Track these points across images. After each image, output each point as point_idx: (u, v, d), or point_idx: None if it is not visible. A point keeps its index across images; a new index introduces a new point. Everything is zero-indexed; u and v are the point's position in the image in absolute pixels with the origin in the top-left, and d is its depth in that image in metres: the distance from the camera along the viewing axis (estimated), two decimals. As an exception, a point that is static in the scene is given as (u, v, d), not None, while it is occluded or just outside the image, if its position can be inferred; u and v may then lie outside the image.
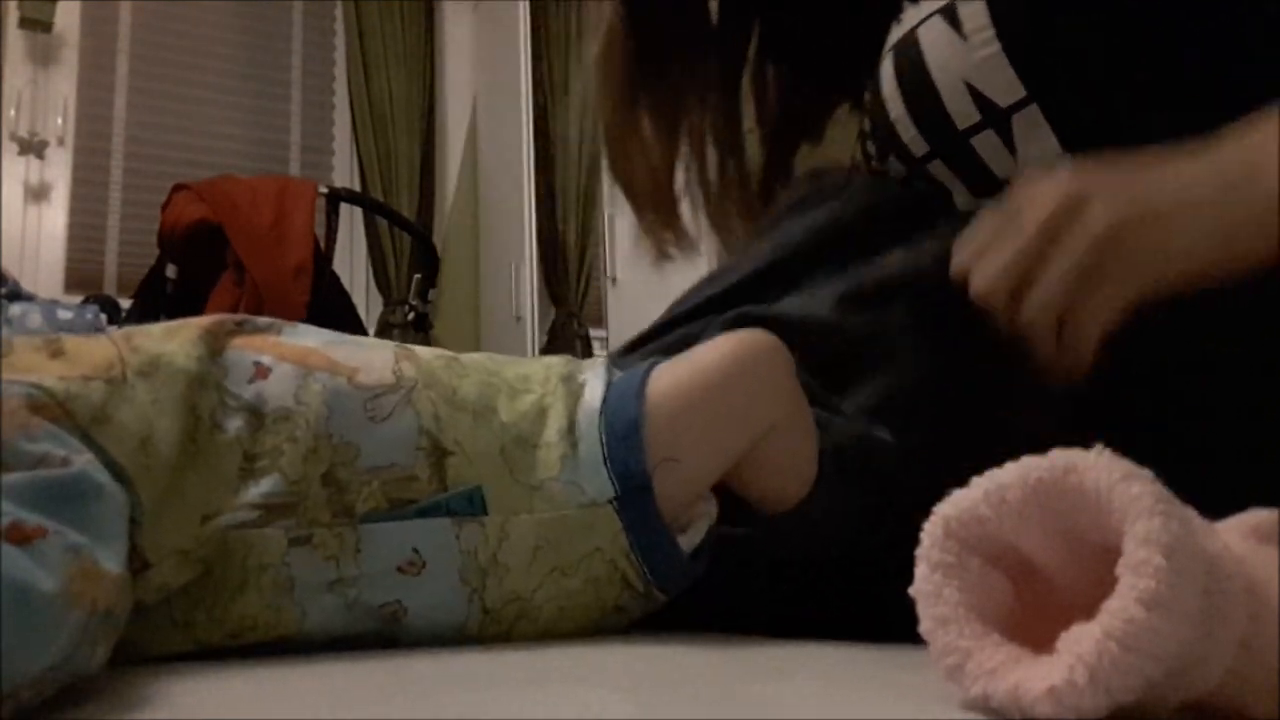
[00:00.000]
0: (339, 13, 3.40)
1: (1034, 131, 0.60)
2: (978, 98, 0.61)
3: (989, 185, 0.63)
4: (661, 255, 0.81)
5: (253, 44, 3.33)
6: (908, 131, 0.67)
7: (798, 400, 0.48)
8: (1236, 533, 0.29)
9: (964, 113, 0.62)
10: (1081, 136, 0.59)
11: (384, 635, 0.41)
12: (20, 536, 0.27)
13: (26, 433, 0.32)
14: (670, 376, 0.46)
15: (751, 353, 0.47)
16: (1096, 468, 0.26)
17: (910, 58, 0.66)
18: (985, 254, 0.51)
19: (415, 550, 0.40)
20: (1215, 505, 0.29)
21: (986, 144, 0.62)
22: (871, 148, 0.72)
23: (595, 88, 0.78)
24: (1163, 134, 0.58)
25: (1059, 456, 0.27)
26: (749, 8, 0.82)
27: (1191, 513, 0.27)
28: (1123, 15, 0.58)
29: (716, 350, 0.48)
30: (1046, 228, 0.49)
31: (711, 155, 0.81)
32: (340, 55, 3.41)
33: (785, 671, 0.39)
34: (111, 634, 0.30)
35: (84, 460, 0.33)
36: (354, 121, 3.32)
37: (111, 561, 0.30)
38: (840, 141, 0.83)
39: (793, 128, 0.86)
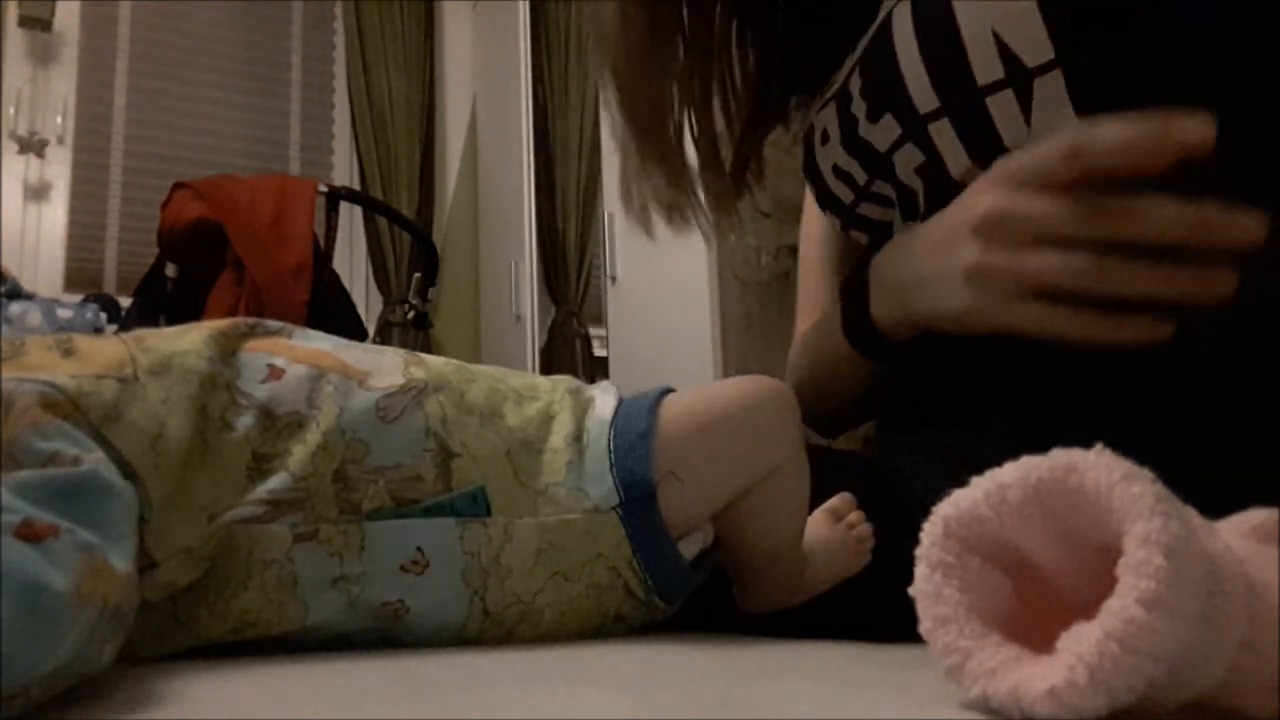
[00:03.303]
0: (339, 12, 3.41)
1: (1052, 100, 0.57)
2: (1004, 52, 0.58)
3: (991, 152, 0.60)
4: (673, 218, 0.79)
5: (253, 43, 3.33)
6: (918, 84, 0.62)
7: (800, 451, 0.48)
8: (1237, 532, 0.29)
9: (987, 67, 0.59)
10: (1097, 114, 0.55)
11: (385, 634, 0.41)
12: (32, 534, 0.27)
13: (39, 430, 0.33)
14: (684, 402, 0.47)
15: (765, 395, 0.48)
16: (1097, 467, 0.26)
17: (934, 3, 0.61)
18: None
19: (419, 549, 0.40)
20: (1215, 504, 0.29)
21: (1002, 106, 0.59)
22: (860, 108, 0.68)
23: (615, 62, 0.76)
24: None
25: (1059, 456, 0.27)
26: None
27: (1192, 512, 0.27)
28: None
29: (731, 387, 0.49)
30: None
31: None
32: (340, 54, 3.42)
33: (785, 671, 0.39)
34: (120, 632, 0.30)
35: (95, 458, 0.33)
36: (354, 120, 3.33)
37: (121, 560, 0.31)
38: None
39: (762, 109, 0.83)
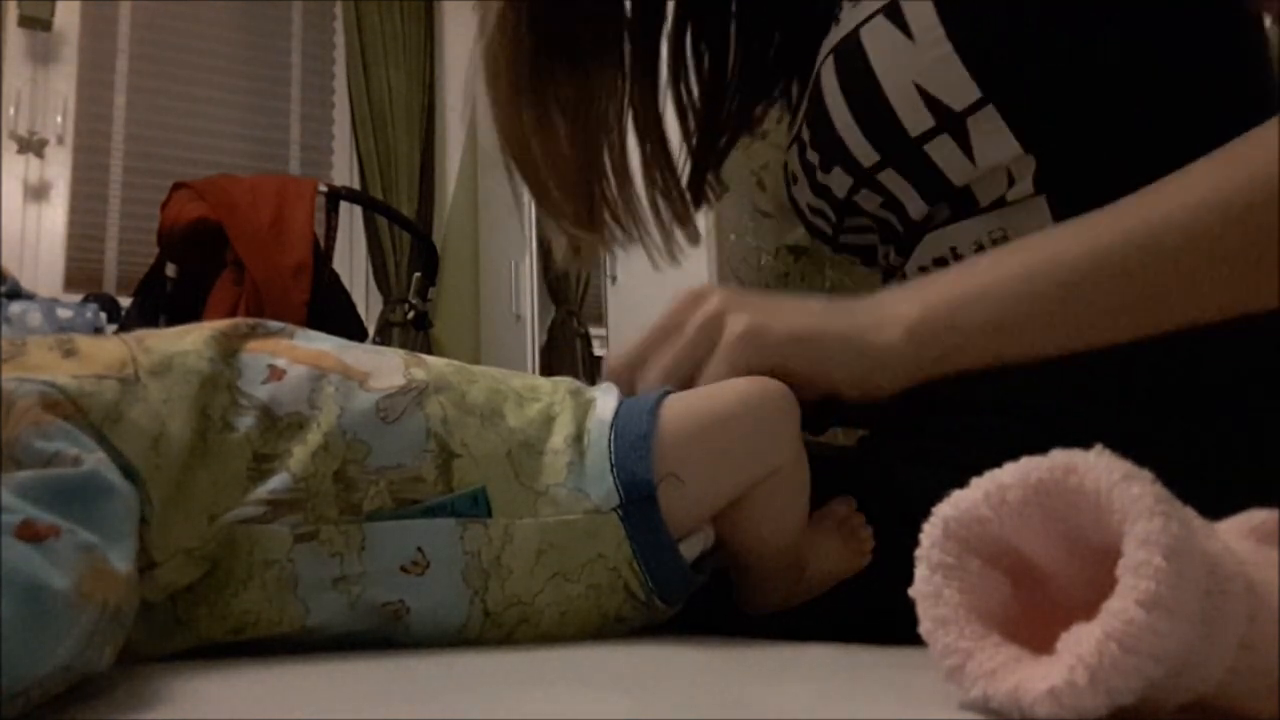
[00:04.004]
0: (339, 12, 3.41)
1: (992, 134, 0.58)
2: (930, 102, 0.59)
3: (944, 192, 0.61)
4: (582, 257, 0.78)
5: (253, 43, 3.33)
6: (855, 141, 0.63)
7: (800, 451, 0.48)
8: (1236, 533, 0.29)
9: (916, 118, 0.59)
10: (1041, 136, 0.58)
11: (386, 635, 0.41)
12: (33, 535, 0.27)
13: (40, 430, 0.33)
14: (684, 404, 0.47)
15: (765, 396, 0.48)
16: (1097, 468, 0.26)
17: (854, 62, 0.62)
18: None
19: (419, 550, 0.40)
20: (1214, 505, 0.29)
21: (942, 150, 0.60)
22: (814, 157, 0.69)
23: (492, 86, 0.73)
24: (1123, 127, 0.58)
25: (1059, 457, 0.27)
26: None
27: (1191, 513, 0.27)
28: (1076, 8, 0.57)
29: (731, 388, 0.49)
30: (671, 316, 0.56)
31: (633, 151, 0.78)
32: (340, 54, 3.42)
33: (785, 672, 0.39)
34: (120, 633, 0.30)
35: (95, 459, 0.33)
36: (354, 120, 3.33)
37: (122, 561, 0.31)
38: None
39: (718, 116, 0.83)
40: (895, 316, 0.53)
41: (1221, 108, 0.59)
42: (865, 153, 0.63)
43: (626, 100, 0.77)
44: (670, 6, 0.81)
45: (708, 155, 0.85)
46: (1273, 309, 0.50)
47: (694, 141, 0.84)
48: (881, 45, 0.60)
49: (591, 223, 0.76)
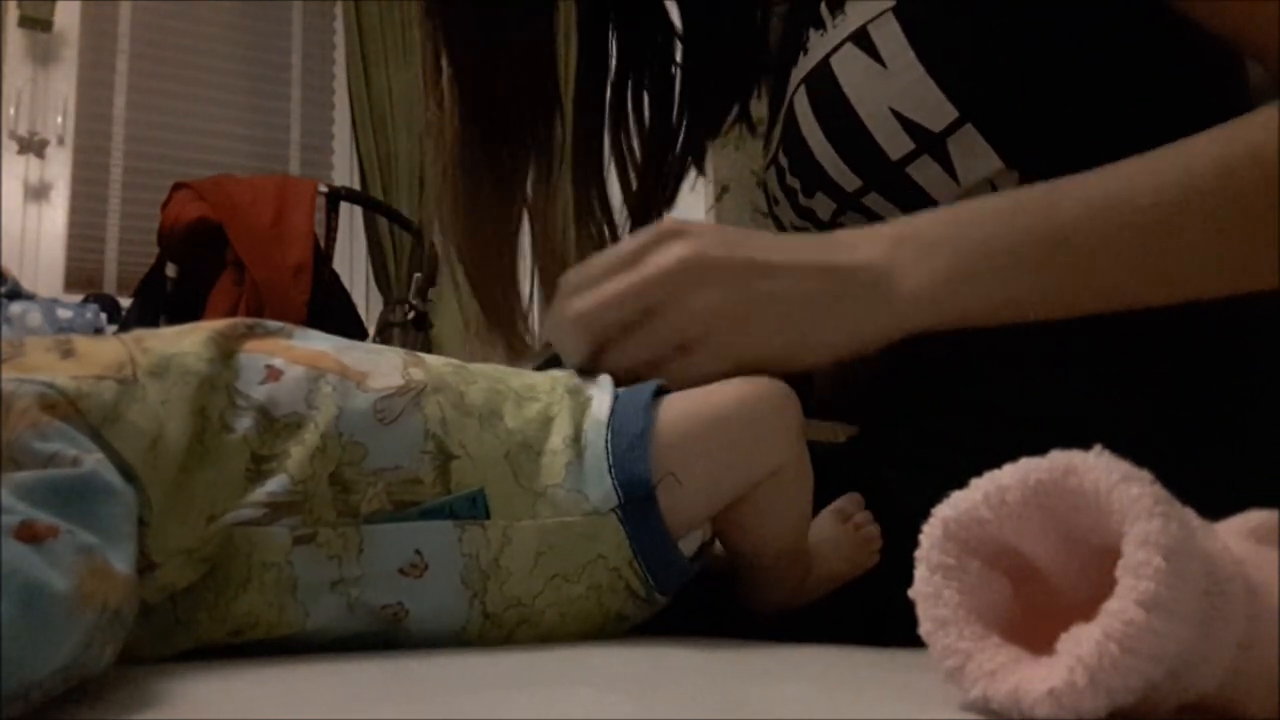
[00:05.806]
0: (339, 12, 3.41)
1: (973, 152, 0.58)
2: (908, 125, 0.59)
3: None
4: (515, 346, 0.76)
5: (253, 43, 3.33)
6: (836, 168, 0.63)
7: (803, 452, 0.48)
8: (1236, 534, 0.29)
9: (896, 143, 0.60)
10: (1023, 150, 0.58)
11: (385, 637, 0.41)
12: (32, 536, 0.27)
13: (38, 431, 0.32)
14: (681, 403, 0.47)
15: (765, 396, 0.48)
16: (1096, 469, 0.26)
17: (827, 91, 0.62)
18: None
19: (417, 552, 0.40)
20: (1215, 505, 0.29)
21: (924, 172, 0.60)
22: (794, 183, 0.69)
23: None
24: (1103, 131, 0.58)
25: (1058, 458, 0.27)
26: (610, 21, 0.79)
27: (1190, 514, 0.27)
28: (1044, 21, 0.57)
29: (731, 388, 0.48)
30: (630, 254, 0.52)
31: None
32: (340, 54, 3.42)
33: (785, 673, 0.39)
34: (120, 634, 0.30)
35: (94, 459, 0.33)
36: (354, 120, 3.33)
37: (122, 562, 0.30)
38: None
39: (665, 160, 0.83)
40: (891, 300, 0.52)
41: (1194, 97, 0.59)
42: (847, 179, 0.63)
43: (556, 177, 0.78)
44: (612, 61, 0.81)
45: (655, 200, 0.84)
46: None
47: (638, 190, 0.83)
48: (853, 73, 0.60)
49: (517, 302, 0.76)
